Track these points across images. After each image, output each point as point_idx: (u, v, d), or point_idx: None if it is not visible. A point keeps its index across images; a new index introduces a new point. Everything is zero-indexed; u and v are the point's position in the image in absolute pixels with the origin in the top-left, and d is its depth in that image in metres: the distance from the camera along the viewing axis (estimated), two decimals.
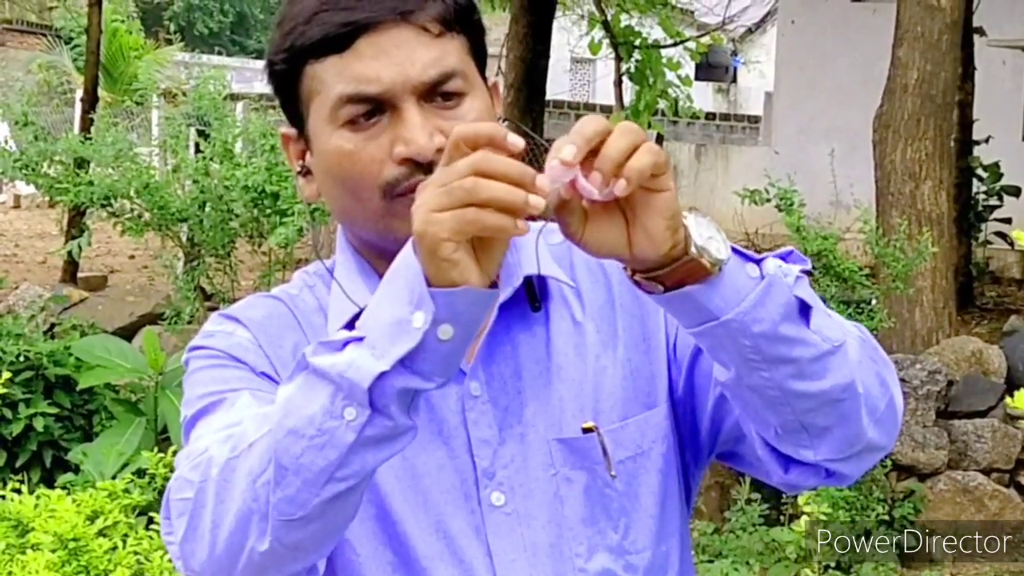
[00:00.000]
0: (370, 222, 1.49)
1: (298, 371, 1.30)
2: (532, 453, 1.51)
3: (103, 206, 6.30)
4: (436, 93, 1.45)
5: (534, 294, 1.55)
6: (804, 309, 1.36)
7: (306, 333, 1.54)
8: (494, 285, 1.26)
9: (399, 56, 1.43)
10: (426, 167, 1.42)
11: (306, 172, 1.53)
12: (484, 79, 1.53)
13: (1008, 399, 4.13)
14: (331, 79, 1.45)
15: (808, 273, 1.39)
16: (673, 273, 1.32)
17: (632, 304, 1.58)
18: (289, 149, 1.55)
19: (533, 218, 1.28)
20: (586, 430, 1.52)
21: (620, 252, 1.30)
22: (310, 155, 1.52)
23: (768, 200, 6.99)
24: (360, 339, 1.27)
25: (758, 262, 1.36)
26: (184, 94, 8.06)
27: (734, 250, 1.34)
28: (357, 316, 1.42)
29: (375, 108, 1.45)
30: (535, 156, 1.34)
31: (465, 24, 1.49)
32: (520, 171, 1.22)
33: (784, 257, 1.39)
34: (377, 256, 1.52)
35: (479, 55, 1.52)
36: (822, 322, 1.37)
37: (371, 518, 1.49)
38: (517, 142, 1.24)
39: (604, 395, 1.54)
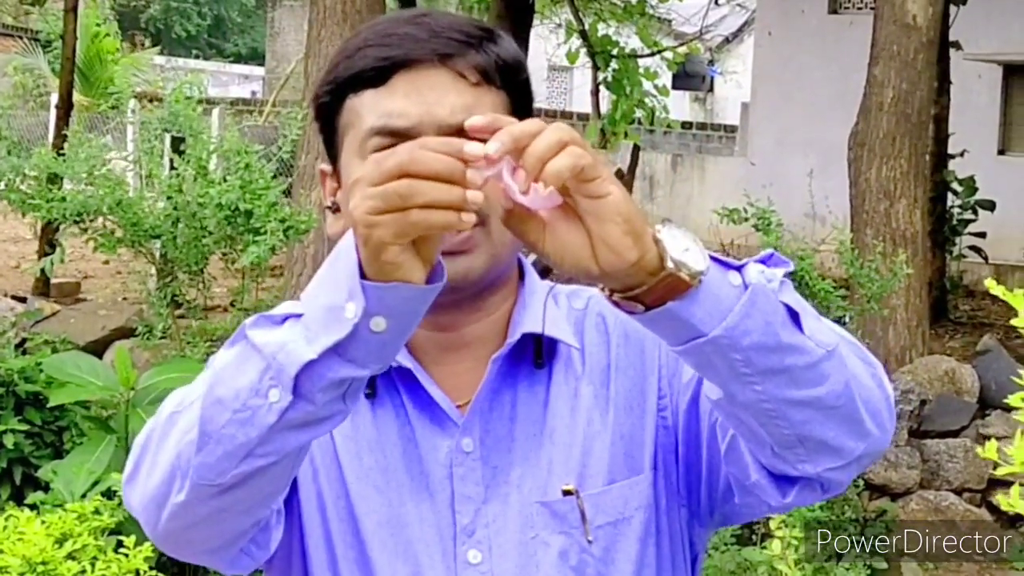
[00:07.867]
0: None
1: (238, 338, 1.31)
2: (513, 515, 1.51)
3: (75, 222, 6.26)
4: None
5: (540, 353, 1.54)
6: (793, 315, 1.30)
7: None
8: (431, 279, 1.25)
9: (431, 96, 1.45)
10: None
11: (335, 208, 1.54)
12: None
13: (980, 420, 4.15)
14: (365, 112, 1.47)
15: (790, 275, 1.34)
16: (652, 291, 1.27)
17: (628, 367, 1.57)
18: (325, 185, 1.57)
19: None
20: (566, 492, 1.51)
21: (586, 265, 1.26)
22: (340, 191, 1.53)
23: (746, 219, 6.93)
24: (299, 316, 1.27)
25: (739, 269, 1.30)
26: (160, 100, 8.01)
27: (713, 259, 1.29)
28: None
29: (401, 143, 1.40)
30: None
31: (508, 81, 1.49)
32: (449, 167, 1.20)
33: (765, 261, 1.34)
34: None
35: (523, 114, 1.44)
36: (813, 326, 1.31)
37: (351, 561, 1.51)
38: (474, 150, 1.21)
39: (592, 459, 1.54)
